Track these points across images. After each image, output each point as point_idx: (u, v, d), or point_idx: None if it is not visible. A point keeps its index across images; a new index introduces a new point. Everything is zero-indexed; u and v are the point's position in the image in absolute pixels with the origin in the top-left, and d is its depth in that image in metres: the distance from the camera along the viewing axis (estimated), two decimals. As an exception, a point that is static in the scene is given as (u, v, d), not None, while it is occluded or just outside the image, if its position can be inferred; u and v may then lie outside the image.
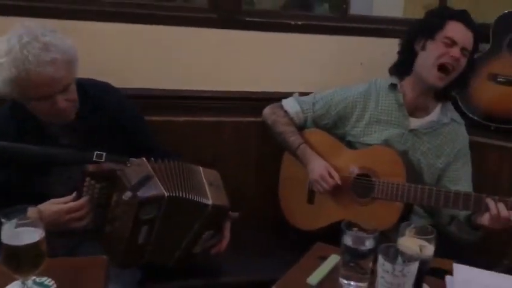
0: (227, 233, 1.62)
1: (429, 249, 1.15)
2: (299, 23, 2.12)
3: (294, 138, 1.84)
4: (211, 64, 2.10)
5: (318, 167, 1.75)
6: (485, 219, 1.49)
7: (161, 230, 1.45)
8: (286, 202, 1.94)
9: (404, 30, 1.83)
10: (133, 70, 2.02)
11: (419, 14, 1.88)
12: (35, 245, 1.02)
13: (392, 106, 1.79)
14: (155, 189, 1.40)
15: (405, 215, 1.66)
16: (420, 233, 1.17)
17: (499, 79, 2.09)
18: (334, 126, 1.88)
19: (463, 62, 1.68)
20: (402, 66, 1.78)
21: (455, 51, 1.65)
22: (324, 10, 3.12)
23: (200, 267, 1.65)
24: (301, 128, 1.91)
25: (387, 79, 1.82)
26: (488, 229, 1.52)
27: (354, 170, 1.74)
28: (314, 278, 1.22)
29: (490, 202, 1.48)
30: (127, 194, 1.36)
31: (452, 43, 1.65)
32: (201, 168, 1.58)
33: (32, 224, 1.04)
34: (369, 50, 2.20)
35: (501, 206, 1.47)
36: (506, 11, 2.18)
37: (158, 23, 2.01)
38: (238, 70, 2.13)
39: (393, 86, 1.80)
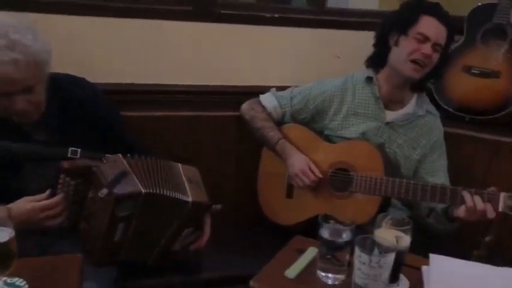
0: (207, 229, 1.61)
1: (406, 240, 1.16)
2: (275, 15, 2.11)
3: (272, 134, 1.84)
4: (187, 58, 2.08)
5: (298, 161, 1.75)
6: (461, 211, 1.51)
7: (139, 227, 1.43)
8: (265, 197, 1.94)
9: (379, 23, 1.84)
10: (108, 65, 1.98)
11: (394, 6, 1.88)
12: (4, 245, 1.00)
13: (368, 99, 1.80)
14: (132, 185, 1.38)
15: (383, 208, 1.67)
16: (397, 224, 1.18)
17: (473, 71, 2.12)
18: (312, 120, 1.89)
19: (435, 57, 1.69)
20: (377, 59, 1.80)
21: (427, 48, 1.65)
22: (301, 3, 3.10)
23: (178, 264, 1.63)
24: (279, 122, 1.91)
25: (364, 72, 1.83)
26: (464, 221, 1.53)
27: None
28: (292, 271, 1.22)
29: (466, 195, 1.50)
30: (103, 191, 1.34)
31: (425, 39, 1.66)
32: (179, 165, 1.56)
33: (0, 223, 1.01)
34: (346, 43, 2.20)
35: (477, 198, 1.48)
36: (479, 4, 2.20)
37: (133, 16, 1.98)
38: (214, 64, 2.11)
39: (369, 79, 1.81)
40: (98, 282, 1.39)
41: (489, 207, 1.46)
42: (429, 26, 1.66)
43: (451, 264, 1.25)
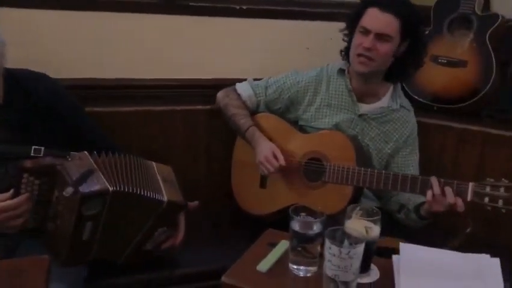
0: (182, 227, 1.60)
1: (375, 230, 1.17)
2: (244, 7, 2.09)
3: (244, 121, 1.83)
4: (155, 51, 2.04)
5: (263, 149, 1.74)
6: (427, 196, 1.51)
7: (110, 226, 1.41)
8: (239, 187, 1.93)
9: (348, 14, 1.84)
10: (73, 60, 1.94)
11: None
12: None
13: (341, 91, 1.80)
14: (99, 183, 1.35)
15: (356, 199, 1.68)
16: (366, 214, 1.19)
17: (440, 60, 2.14)
18: (286, 111, 1.88)
19: (383, 48, 1.66)
20: (346, 53, 1.79)
21: (367, 41, 1.64)
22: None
23: (150, 261, 1.61)
24: (254, 112, 1.90)
25: (339, 63, 1.83)
26: (434, 213, 1.54)
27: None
28: (264, 265, 1.21)
29: (434, 180, 1.51)
30: (68, 190, 1.31)
31: (366, 31, 1.66)
32: (154, 164, 1.54)
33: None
34: (316, 34, 2.20)
35: (447, 189, 1.49)
36: (445, -7, 2.24)
37: (99, 9, 1.94)
38: (183, 57, 2.08)
39: (341, 71, 1.81)
40: (67, 282, 1.36)
41: (458, 199, 1.48)
42: (369, 18, 1.66)
43: (421, 252, 1.26)
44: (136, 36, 2.00)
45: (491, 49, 2.07)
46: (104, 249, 1.46)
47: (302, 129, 1.85)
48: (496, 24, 2.09)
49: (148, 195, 1.42)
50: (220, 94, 1.93)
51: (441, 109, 2.13)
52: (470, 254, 1.25)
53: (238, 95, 1.89)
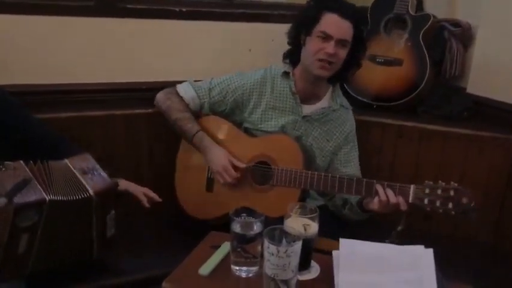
0: (135, 190, 1.64)
1: (314, 227, 1.20)
2: (184, 9, 2.08)
3: (190, 126, 1.81)
4: (94, 55, 2.00)
5: (218, 157, 1.74)
6: (374, 203, 1.56)
7: (48, 235, 1.36)
8: (184, 191, 1.90)
9: (289, 15, 1.86)
10: (8, 65, 1.87)
11: (302, -1, 1.91)
12: None
13: (286, 93, 1.82)
14: (35, 193, 1.31)
15: (302, 200, 1.70)
16: (304, 212, 1.21)
17: (377, 59, 2.22)
18: (231, 113, 1.88)
19: (343, 53, 1.69)
20: (292, 56, 1.81)
21: (330, 47, 1.67)
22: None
23: (94, 268, 1.58)
24: (197, 114, 1.88)
25: (282, 66, 1.84)
26: (378, 212, 1.59)
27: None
28: (206, 268, 1.22)
29: (379, 188, 1.56)
30: (1, 201, 1.26)
31: (327, 37, 1.67)
32: (67, 161, 1.49)
33: None
34: (257, 36, 2.22)
35: (389, 191, 1.54)
36: (382, -6, 2.31)
37: (33, 13, 1.88)
38: (123, 60, 2.05)
39: (286, 74, 1.83)
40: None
41: (401, 200, 1.53)
42: (330, 24, 1.68)
43: (360, 246, 1.29)
44: (74, 40, 1.96)
45: (424, 48, 2.17)
46: (45, 260, 1.41)
47: (248, 132, 1.85)
48: (428, 24, 2.18)
49: (76, 197, 1.39)
50: (160, 96, 1.88)
51: (380, 107, 2.20)
52: (406, 246, 1.29)
53: (180, 97, 1.86)
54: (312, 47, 1.70)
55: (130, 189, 1.63)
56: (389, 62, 2.20)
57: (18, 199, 1.27)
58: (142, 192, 1.64)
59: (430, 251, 1.26)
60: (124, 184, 1.62)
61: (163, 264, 1.60)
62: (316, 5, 1.73)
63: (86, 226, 1.46)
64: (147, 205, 1.64)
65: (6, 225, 1.26)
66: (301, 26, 1.75)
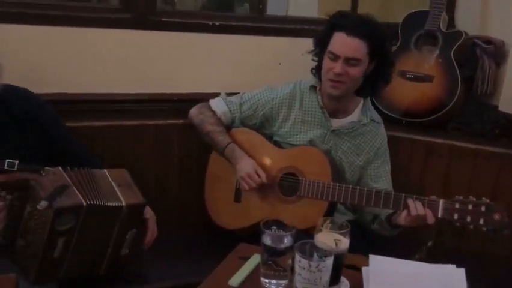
0: (152, 225, 1.62)
1: (345, 243, 1.20)
2: (216, 23, 2.12)
3: (222, 138, 1.84)
4: (129, 66, 2.05)
5: (245, 165, 1.76)
6: (403, 217, 1.56)
7: (81, 241, 1.40)
8: (213, 201, 1.93)
9: (319, 30, 1.88)
10: (47, 74, 1.93)
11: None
12: None
13: (314, 107, 1.83)
14: (73, 198, 1.35)
15: (330, 213, 1.70)
16: (336, 227, 1.21)
17: (407, 75, 2.21)
18: (261, 127, 1.90)
19: (353, 71, 1.68)
20: (317, 72, 1.82)
21: (337, 67, 1.66)
22: (245, 10, 3.13)
23: (123, 275, 1.60)
24: (229, 127, 1.91)
25: (310, 80, 1.86)
26: (405, 226, 1.59)
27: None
28: (236, 279, 1.22)
29: (409, 201, 1.55)
30: (42, 204, 1.30)
31: (335, 57, 1.67)
32: (105, 171, 1.53)
33: None
34: (287, 50, 2.24)
35: (418, 204, 1.53)
36: (413, 11, 2.31)
37: (72, 25, 1.94)
38: (157, 72, 2.09)
39: (313, 88, 1.84)
40: (36, 301, 1.34)
41: (429, 213, 1.52)
42: (337, 44, 1.67)
43: (390, 263, 1.29)
44: (109, 52, 2.01)
45: (455, 64, 2.15)
46: (76, 266, 1.44)
47: (277, 145, 1.87)
48: (460, 41, 2.17)
49: (110, 204, 1.43)
50: (193, 111, 1.93)
51: (410, 123, 2.19)
52: (436, 265, 1.28)
53: (213, 111, 1.90)
54: (324, 67, 1.73)
55: (149, 221, 1.62)
56: (419, 78, 2.19)
57: (58, 203, 1.31)
58: (152, 233, 1.64)
59: (462, 270, 1.25)
60: (148, 212, 1.63)
61: (190, 274, 1.61)
62: (328, 25, 1.74)
63: (106, 237, 1.48)
64: (146, 246, 1.63)
65: (46, 228, 1.31)
66: (317, 45, 1.77)
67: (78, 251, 1.42)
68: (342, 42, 1.67)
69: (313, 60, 1.83)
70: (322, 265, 1.05)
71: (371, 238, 1.78)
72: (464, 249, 1.99)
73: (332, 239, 1.18)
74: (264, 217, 1.70)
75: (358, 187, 1.66)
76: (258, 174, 1.73)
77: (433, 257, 1.51)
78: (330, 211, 1.71)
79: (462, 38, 2.17)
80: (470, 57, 2.23)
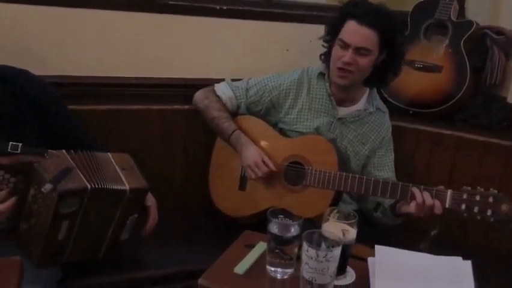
0: (153, 212, 1.61)
1: (352, 233, 1.19)
2: (224, 7, 2.09)
3: (227, 125, 1.82)
4: (134, 50, 2.02)
5: (252, 153, 1.74)
6: (411, 207, 1.54)
7: (83, 224, 1.39)
8: (217, 188, 1.92)
9: (328, 17, 1.85)
10: (47, 57, 1.91)
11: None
12: None
13: (322, 95, 1.81)
14: (77, 181, 1.34)
15: (336, 203, 1.69)
16: (343, 217, 1.20)
17: (416, 65, 2.18)
18: (267, 113, 1.88)
19: (363, 61, 1.66)
20: (327, 58, 1.80)
21: (347, 56, 1.65)
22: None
23: (125, 261, 1.61)
24: (234, 113, 1.89)
25: (319, 67, 1.84)
26: (412, 216, 1.57)
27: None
28: (241, 267, 1.22)
29: (416, 191, 1.54)
30: (47, 186, 1.29)
31: (346, 45, 1.66)
32: (109, 154, 1.52)
33: None
34: (295, 36, 2.21)
35: (426, 194, 1.52)
36: (422, 0, 2.27)
37: (77, 6, 1.91)
38: (162, 56, 2.06)
39: (321, 75, 1.82)
40: (41, 284, 1.34)
41: (437, 204, 1.51)
42: (348, 32, 1.66)
43: (396, 254, 1.28)
44: (115, 34, 1.98)
45: (465, 55, 2.12)
46: (80, 249, 1.44)
47: (282, 133, 1.85)
48: (470, 31, 2.14)
49: (113, 187, 1.42)
50: (198, 95, 1.91)
51: (417, 113, 2.16)
52: (443, 257, 1.27)
53: (218, 96, 1.88)
54: (333, 54, 1.71)
55: (151, 208, 1.61)
56: (427, 68, 2.17)
57: (62, 186, 1.30)
58: (153, 220, 1.62)
59: (468, 263, 1.24)
60: (150, 198, 1.62)
61: (191, 261, 1.63)
62: (341, 12, 1.72)
63: (107, 221, 1.47)
64: (146, 233, 1.61)
65: (50, 211, 1.30)
66: (329, 33, 1.75)
67: (81, 235, 1.41)
68: (353, 31, 1.65)
69: (323, 46, 1.80)
70: (330, 255, 1.03)
71: (375, 228, 1.78)
72: (469, 240, 1.98)
73: (339, 229, 1.17)
74: (268, 206, 1.70)
75: (365, 177, 1.65)
76: (265, 163, 1.72)
77: (437, 248, 1.50)
78: (336, 200, 1.70)
79: (473, 28, 2.14)
80: (480, 47, 2.20)
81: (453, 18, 2.18)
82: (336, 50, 1.69)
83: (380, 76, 1.77)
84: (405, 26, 2.24)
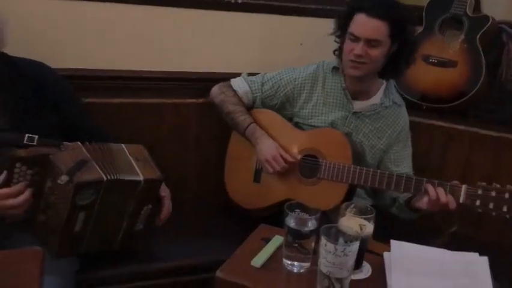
0: (167, 203, 1.61)
1: (369, 228, 1.19)
2: (239, 1, 2.08)
3: (243, 118, 1.83)
4: (147, 43, 2.02)
5: (268, 147, 1.75)
6: (424, 202, 1.55)
7: (99, 216, 1.41)
8: (232, 181, 1.93)
9: (340, 10, 1.84)
10: (62, 49, 1.91)
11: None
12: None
13: (336, 89, 1.81)
14: (93, 173, 1.35)
15: (349, 197, 1.69)
16: (360, 212, 1.21)
17: (430, 60, 2.17)
18: (282, 107, 1.88)
19: (375, 53, 1.67)
20: (340, 52, 1.80)
21: (358, 48, 1.65)
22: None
23: (140, 252, 1.62)
24: (250, 107, 1.90)
25: (334, 61, 1.84)
26: (427, 211, 1.58)
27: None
28: (258, 260, 1.22)
29: (429, 187, 1.54)
30: (63, 178, 1.30)
31: (356, 38, 1.66)
32: (123, 146, 1.52)
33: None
34: (309, 30, 2.20)
35: (440, 190, 1.52)
36: (437, -6, 2.26)
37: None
38: (176, 50, 2.07)
39: (336, 69, 1.82)
40: (60, 275, 1.35)
41: (451, 199, 1.51)
42: (358, 24, 1.66)
43: (412, 249, 1.28)
44: (129, 28, 1.98)
45: (481, 50, 2.10)
46: (96, 240, 1.45)
47: (297, 127, 1.85)
48: (486, 26, 2.12)
49: (128, 178, 1.42)
50: (214, 89, 1.92)
51: (430, 108, 2.15)
52: (459, 252, 1.27)
53: (234, 91, 1.89)
54: (345, 48, 1.71)
55: (165, 198, 1.62)
56: (442, 63, 2.15)
57: (78, 177, 1.31)
58: (167, 211, 1.62)
59: (485, 259, 1.24)
60: (164, 189, 1.62)
61: (205, 254, 1.64)
62: (349, 6, 1.72)
63: (122, 212, 1.48)
64: (160, 223, 1.62)
65: (67, 203, 1.31)
66: (339, 27, 1.76)
67: (97, 226, 1.42)
68: (362, 24, 1.65)
69: (335, 42, 1.80)
70: (348, 249, 1.04)
71: (390, 223, 1.77)
72: (483, 237, 1.96)
73: (356, 224, 1.17)
74: (283, 198, 1.72)
75: (379, 170, 1.65)
76: (283, 157, 1.72)
77: (453, 244, 1.50)
78: (350, 194, 1.70)
79: (489, 23, 2.12)
80: (496, 42, 2.18)
81: (469, 13, 2.15)
82: (347, 44, 1.70)
83: (393, 67, 1.76)
84: (420, 21, 2.22)
